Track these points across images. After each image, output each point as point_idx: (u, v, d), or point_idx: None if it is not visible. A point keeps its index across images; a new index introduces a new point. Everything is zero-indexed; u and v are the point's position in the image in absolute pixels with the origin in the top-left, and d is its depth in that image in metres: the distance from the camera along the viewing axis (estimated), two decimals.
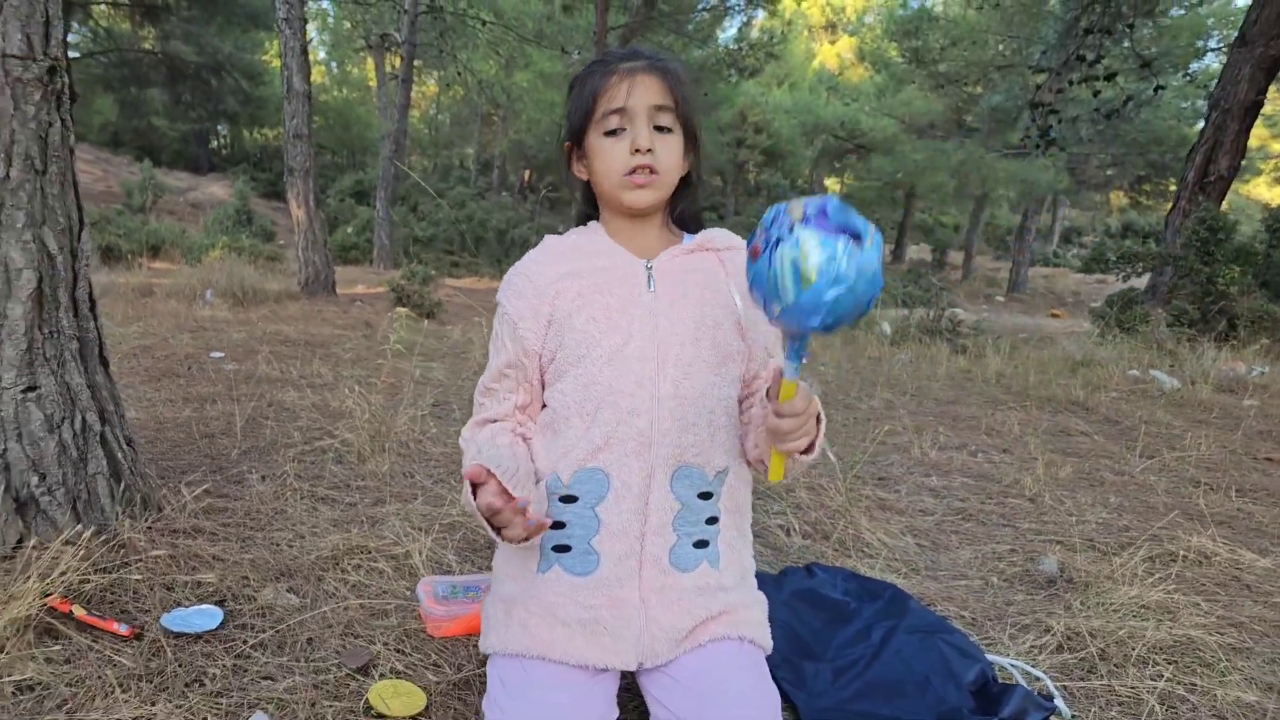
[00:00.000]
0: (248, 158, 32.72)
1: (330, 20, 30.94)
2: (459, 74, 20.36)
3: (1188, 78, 19.43)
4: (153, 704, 1.45)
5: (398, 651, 1.74)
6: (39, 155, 1.94)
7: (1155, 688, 1.75)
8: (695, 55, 20.94)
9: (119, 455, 2.17)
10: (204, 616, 1.78)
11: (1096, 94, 12.62)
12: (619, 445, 1.29)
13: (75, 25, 21.95)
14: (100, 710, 1.43)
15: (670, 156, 1.32)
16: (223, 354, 4.95)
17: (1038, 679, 1.77)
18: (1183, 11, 19.46)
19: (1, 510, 1.90)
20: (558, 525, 1.32)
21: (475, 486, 1.19)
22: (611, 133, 1.31)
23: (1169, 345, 7.66)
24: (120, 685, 1.50)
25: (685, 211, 1.44)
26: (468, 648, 1.78)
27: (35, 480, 1.96)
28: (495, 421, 1.41)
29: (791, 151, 29.50)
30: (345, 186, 26.40)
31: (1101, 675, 1.81)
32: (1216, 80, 10.43)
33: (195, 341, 5.31)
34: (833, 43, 46.59)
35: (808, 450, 1.22)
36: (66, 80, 2.03)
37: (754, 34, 22.89)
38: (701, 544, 1.34)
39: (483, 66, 21.60)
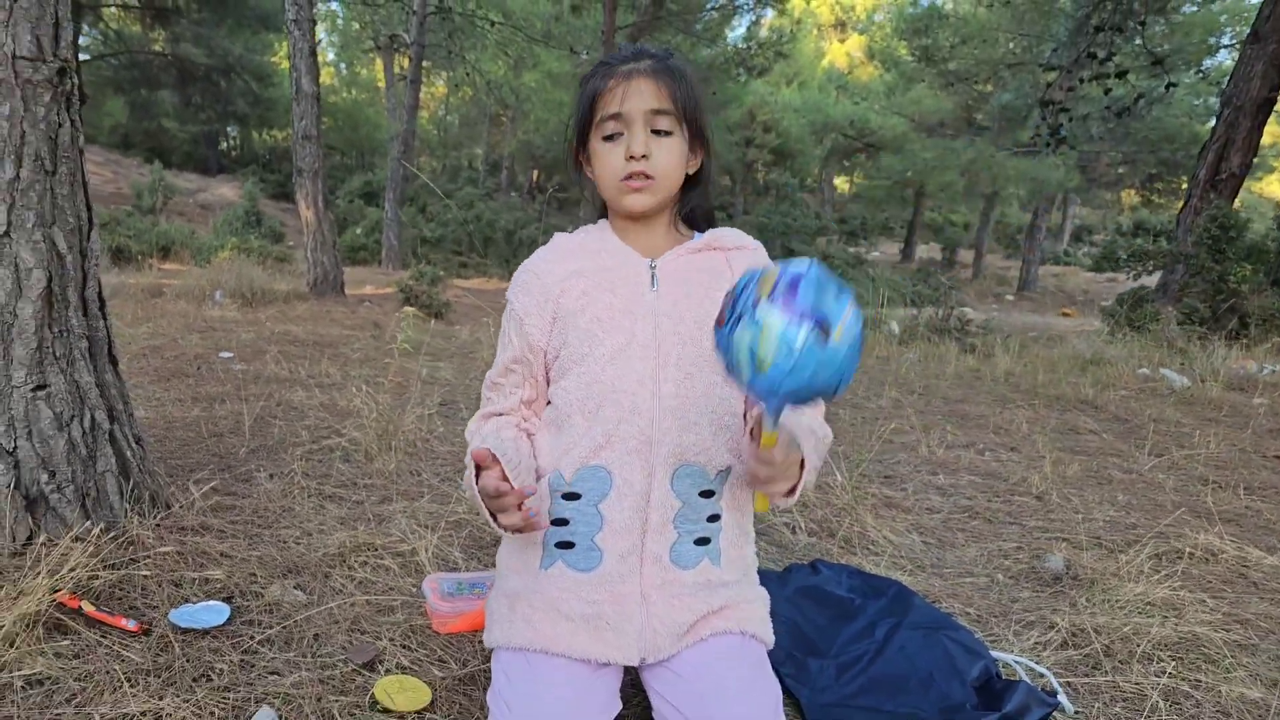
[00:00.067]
0: (257, 159, 32.86)
1: (339, 22, 31.11)
2: (467, 75, 20.44)
3: (1200, 75, 19.32)
4: (161, 698, 1.47)
5: (404, 647, 1.75)
6: (49, 156, 1.96)
7: (1159, 684, 1.74)
8: (704, 54, 20.96)
9: (128, 453, 2.19)
10: (211, 612, 1.79)
11: (1108, 91, 12.57)
12: (621, 443, 1.30)
13: (86, 28, 22.11)
14: (109, 704, 1.44)
15: (668, 160, 1.32)
16: (231, 354, 4.97)
17: (1041, 675, 1.77)
18: (1195, 8, 19.40)
19: (11, 507, 1.92)
20: (560, 522, 1.32)
21: (478, 470, 1.21)
22: (610, 137, 1.32)
23: (1179, 343, 7.63)
24: (128, 680, 1.51)
25: (696, 209, 1.44)
26: (473, 644, 1.79)
27: (45, 478, 1.98)
28: (500, 415, 1.43)
29: (801, 150, 29.48)
30: (354, 187, 26.49)
31: (1106, 671, 1.81)
32: (1229, 77, 10.37)
33: (204, 342, 5.34)
34: (842, 41, 46.58)
35: (790, 493, 1.24)
36: (76, 81, 2.05)
37: (763, 33, 22.90)
38: (703, 541, 1.35)
39: (491, 67, 21.67)
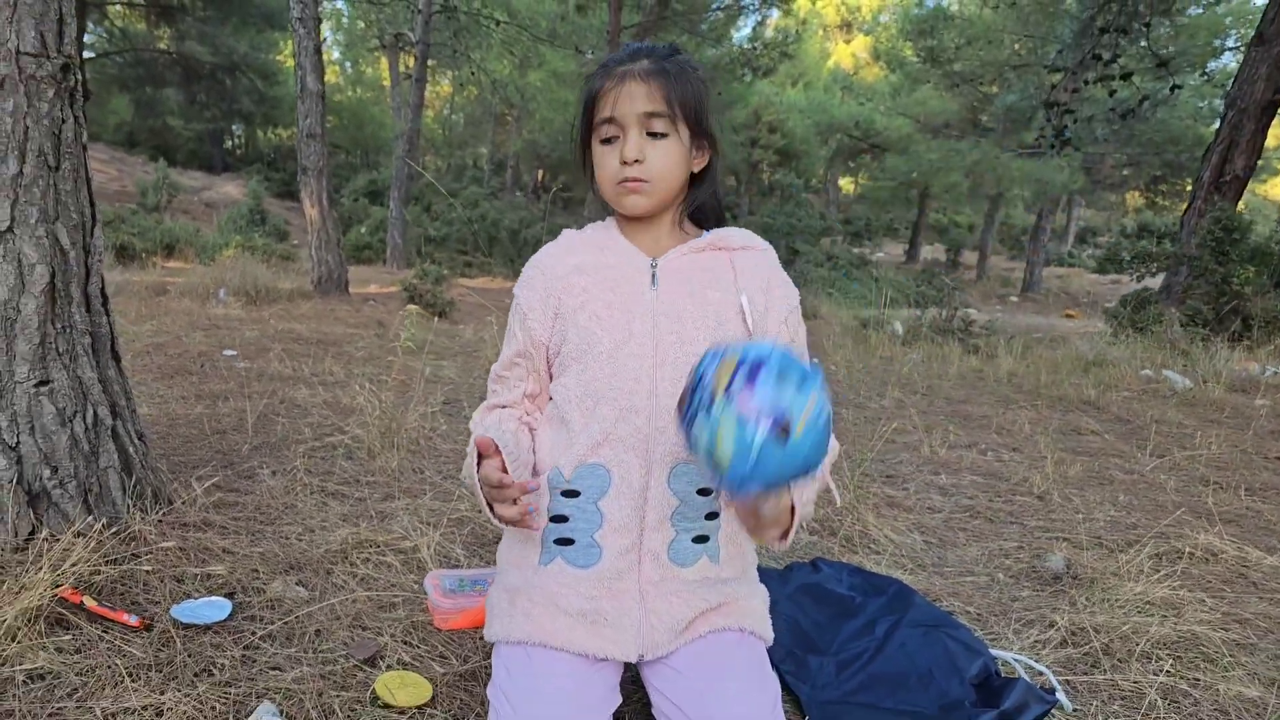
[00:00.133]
0: (262, 157, 32.91)
1: (344, 20, 31.14)
2: (473, 74, 20.42)
3: (1205, 77, 19.25)
4: (162, 693, 1.47)
5: (405, 643, 1.75)
6: (52, 151, 1.97)
7: (1158, 682, 1.75)
8: (709, 54, 20.94)
9: (130, 449, 2.20)
10: (213, 608, 1.80)
11: (1112, 93, 12.53)
12: (618, 441, 1.30)
13: (91, 25, 22.12)
14: (110, 699, 1.45)
15: (663, 162, 1.31)
16: (235, 352, 4.98)
17: (1040, 673, 1.77)
18: (1200, 10, 19.35)
19: (14, 502, 1.93)
20: (560, 519, 1.33)
21: (480, 459, 1.23)
22: (607, 140, 1.32)
23: (1182, 345, 7.62)
24: (130, 674, 1.52)
25: (705, 206, 1.43)
26: (474, 640, 1.80)
27: (47, 473, 1.99)
28: (504, 408, 1.44)
29: (806, 151, 29.43)
30: (359, 186, 26.49)
31: (1105, 670, 1.81)
32: (1233, 79, 10.33)
33: (208, 339, 5.35)
34: (848, 42, 46.54)
35: (783, 537, 1.25)
36: (79, 78, 2.06)
37: (768, 33, 22.84)
38: (701, 539, 1.35)
39: (496, 66, 21.65)
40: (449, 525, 2.44)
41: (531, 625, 1.30)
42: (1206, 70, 19.16)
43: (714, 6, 20.72)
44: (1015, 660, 1.82)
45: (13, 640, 1.56)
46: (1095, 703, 1.68)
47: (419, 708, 1.52)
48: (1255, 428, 4.52)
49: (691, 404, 0.99)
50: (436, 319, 8.08)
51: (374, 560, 2.15)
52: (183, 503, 2.36)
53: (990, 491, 3.19)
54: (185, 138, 30.74)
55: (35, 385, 1.96)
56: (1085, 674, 1.80)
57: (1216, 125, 10.58)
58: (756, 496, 1.03)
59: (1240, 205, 10.07)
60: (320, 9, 9.26)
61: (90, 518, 2.04)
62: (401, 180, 17.93)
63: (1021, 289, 26.40)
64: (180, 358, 4.64)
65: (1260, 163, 10.67)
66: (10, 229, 1.90)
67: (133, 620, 1.69)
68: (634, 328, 1.32)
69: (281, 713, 1.45)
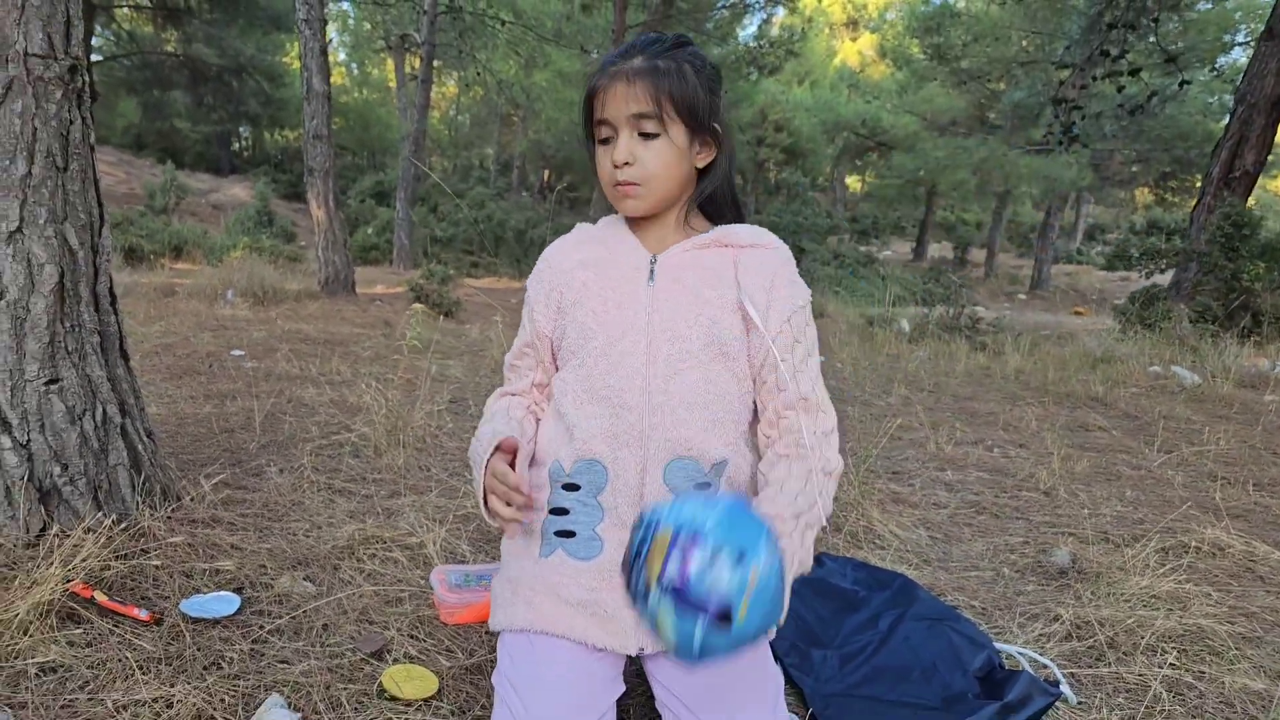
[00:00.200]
0: (269, 159, 32.99)
1: (350, 21, 31.23)
2: (478, 74, 20.43)
3: (1214, 72, 19.19)
4: (172, 685, 1.49)
5: (411, 637, 1.77)
6: (60, 152, 1.99)
7: (1162, 674, 1.75)
8: (715, 53, 20.93)
9: (139, 447, 2.21)
10: (222, 603, 1.81)
11: (1121, 89, 12.47)
12: (614, 437, 1.30)
13: (98, 28, 22.23)
14: (120, 691, 1.47)
15: (655, 163, 1.29)
16: (243, 352, 5.01)
17: (1044, 666, 1.77)
18: (1209, 5, 19.29)
19: (25, 499, 1.95)
20: (560, 511, 1.33)
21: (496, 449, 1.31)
22: (604, 140, 1.32)
23: (1191, 341, 7.60)
24: (140, 668, 1.54)
25: (718, 198, 1.41)
26: (479, 634, 1.81)
27: (58, 470, 2.01)
28: (515, 396, 1.48)
29: (812, 149, 29.38)
30: (365, 187, 26.57)
31: (1109, 663, 1.81)
32: (1243, 74, 10.29)
33: (216, 340, 5.38)
34: (854, 40, 46.45)
35: None
36: (87, 79, 2.08)
37: (774, 31, 22.83)
38: None
39: (502, 66, 21.66)
40: (455, 521, 2.45)
41: (533, 613, 1.31)
42: (1216, 65, 19.13)
43: (719, 5, 20.73)
44: (1019, 653, 1.82)
45: (25, 634, 1.58)
46: (1099, 695, 1.69)
47: (425, 700, 1.54)
48: (1264, 423, 4.51)
49: (631, 580, 0.96)
50: (443, 319, 8.11)
51: (380, 556, 2.16)
52: (191, 500, 2.37)
53: (996, 487, 3.19)
54: (193, 140, 30.82)
55: (45, 383, 1.98)
56: (1089, 667, 1.80)
57: (1226, 121, 10.54)
58: (707, 665, 1.01)
59: (1250, 201, 10.04)
60: (326, 11, 9.29)
61: (100, 514, 2.05)
62: (408, 181, 17.96)
63: (1030, 286, 26.32)
64: (188, 358, 4.66)
65: (1270, 158, 10.65)
66: (19, 229, 1.92)
67: (143, 614, 1.70)
68: (629, 323, 1.32)
69: (290, 705, 1.47)
